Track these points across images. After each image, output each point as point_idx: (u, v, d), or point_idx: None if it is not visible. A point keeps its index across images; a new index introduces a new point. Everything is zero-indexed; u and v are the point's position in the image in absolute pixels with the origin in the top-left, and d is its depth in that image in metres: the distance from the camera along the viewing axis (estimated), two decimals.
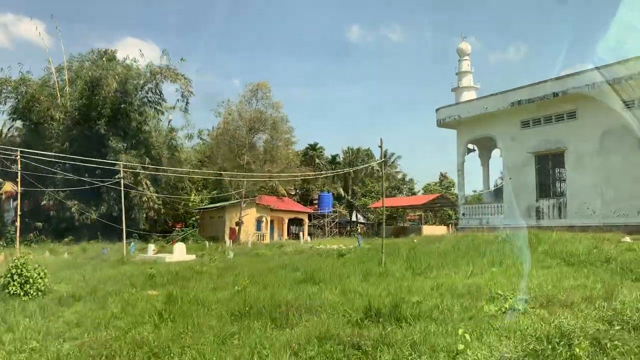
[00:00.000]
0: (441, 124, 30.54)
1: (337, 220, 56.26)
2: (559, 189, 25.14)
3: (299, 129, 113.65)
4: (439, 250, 17.06)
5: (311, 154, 60.75)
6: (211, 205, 43.95)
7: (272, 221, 49.31)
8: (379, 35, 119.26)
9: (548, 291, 8.83)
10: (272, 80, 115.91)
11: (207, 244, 33.41)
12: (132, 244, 30.44)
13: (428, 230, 37.96)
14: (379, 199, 56.19)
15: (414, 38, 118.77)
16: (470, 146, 31.58)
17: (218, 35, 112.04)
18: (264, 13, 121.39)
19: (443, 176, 69.58)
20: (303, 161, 61.57)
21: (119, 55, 41.89)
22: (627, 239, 18.23)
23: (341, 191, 63.00)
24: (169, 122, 44.40)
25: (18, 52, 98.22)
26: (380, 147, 18.50)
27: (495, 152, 30.68)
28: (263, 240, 41.20)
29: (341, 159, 67.94)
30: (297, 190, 59.72)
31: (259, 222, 46.16)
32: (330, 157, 65.31)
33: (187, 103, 38.21)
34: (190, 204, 46.44)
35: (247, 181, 38.40)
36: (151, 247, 28.53)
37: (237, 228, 38.27)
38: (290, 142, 42.48)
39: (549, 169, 25.74)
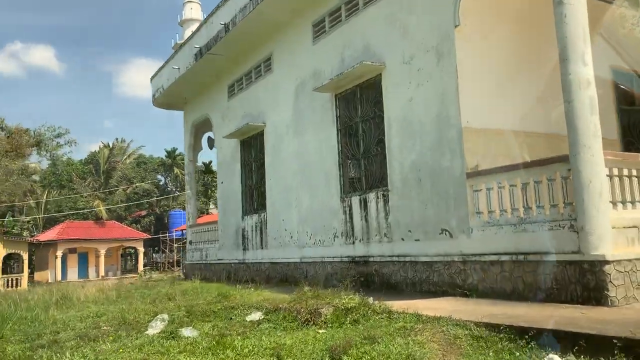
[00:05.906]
0: (156, 101, 19.77)
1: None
2: (260, 198, 14.39)
3: None
4: None
5: (168, 163, 49.86)
6: None
7: (82, 255, 38.42)
8: None
9: None
10: None
11: None
12: None
13: None
14: None
15: None
16: None
17: None
18: None
19: None
20: (160, 171, 50.96)
21: None
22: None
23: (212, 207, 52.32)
24: None
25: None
26: None
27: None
28: (17, 285, 30.05)
29: None
30: (152, 210, 48.65)
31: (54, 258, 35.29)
32: (203, 165, 54.34)
33: None
34: None
35: None
36: None
37: None
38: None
39: (251, 162, 15.04)
